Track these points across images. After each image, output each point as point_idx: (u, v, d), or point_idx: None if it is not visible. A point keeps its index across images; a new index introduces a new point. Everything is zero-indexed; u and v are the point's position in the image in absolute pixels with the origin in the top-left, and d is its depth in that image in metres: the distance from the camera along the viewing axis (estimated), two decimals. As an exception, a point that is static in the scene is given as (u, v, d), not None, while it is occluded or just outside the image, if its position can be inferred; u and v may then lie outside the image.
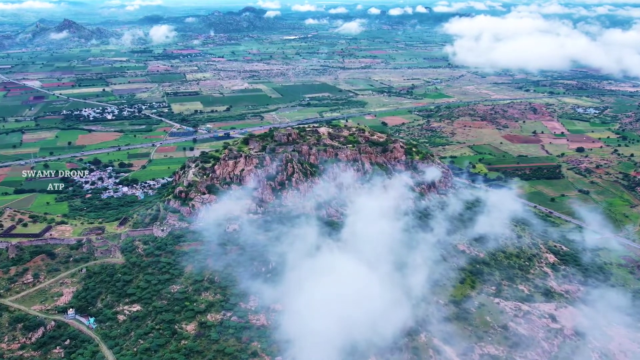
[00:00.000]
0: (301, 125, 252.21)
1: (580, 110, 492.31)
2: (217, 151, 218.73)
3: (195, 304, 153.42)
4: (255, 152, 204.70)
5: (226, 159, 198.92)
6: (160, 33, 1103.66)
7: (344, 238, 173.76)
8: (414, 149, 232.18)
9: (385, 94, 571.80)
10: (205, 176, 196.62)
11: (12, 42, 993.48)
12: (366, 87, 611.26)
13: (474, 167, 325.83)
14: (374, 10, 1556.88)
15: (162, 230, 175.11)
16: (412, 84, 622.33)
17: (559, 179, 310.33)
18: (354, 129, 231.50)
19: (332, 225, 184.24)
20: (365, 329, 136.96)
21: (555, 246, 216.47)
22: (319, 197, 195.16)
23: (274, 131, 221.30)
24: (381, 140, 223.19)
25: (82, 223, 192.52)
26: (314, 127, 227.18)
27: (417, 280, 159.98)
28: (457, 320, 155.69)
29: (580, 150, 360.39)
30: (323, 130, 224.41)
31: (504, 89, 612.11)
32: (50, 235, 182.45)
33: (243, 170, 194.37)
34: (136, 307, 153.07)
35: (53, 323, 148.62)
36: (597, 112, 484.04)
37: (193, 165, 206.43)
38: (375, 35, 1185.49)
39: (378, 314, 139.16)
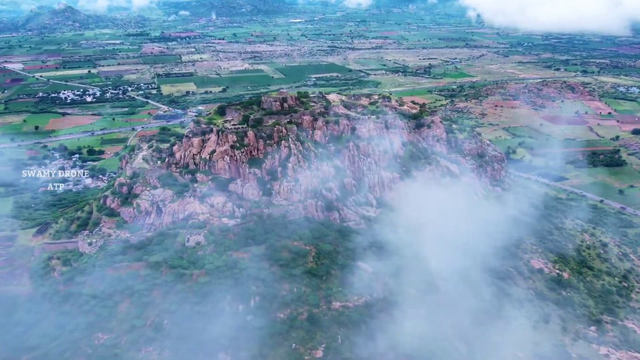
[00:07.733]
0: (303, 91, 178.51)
1: (622, 89, 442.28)
2: (183, 126, 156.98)
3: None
4: (234, 125, 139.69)
5: (190, 135, 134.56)
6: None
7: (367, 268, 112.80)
8: (454, 126, 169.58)
9: (400, 73, 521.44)
10: (159, 161, 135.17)
11: (3, 27, 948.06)
12: (379, 67, 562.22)
13: (514, 152, 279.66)
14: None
15: (91, 243, 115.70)
16: (429, 64, 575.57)
17: (621, 166, 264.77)
18: (375, 97, 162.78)
19: (347, 235, 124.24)
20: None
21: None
22: (328, 192, 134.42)
23: (262, 96, 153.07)
24: (414, 111, 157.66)
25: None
26: (320, 93, 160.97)
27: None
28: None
29: (636, 132, 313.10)
30: (334, 96, 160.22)
31: (530, 68, 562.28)
32: None
33: (214, 152, 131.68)
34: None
35: None
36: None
37: (146, 146, 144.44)
38: (384, 17, 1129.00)
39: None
